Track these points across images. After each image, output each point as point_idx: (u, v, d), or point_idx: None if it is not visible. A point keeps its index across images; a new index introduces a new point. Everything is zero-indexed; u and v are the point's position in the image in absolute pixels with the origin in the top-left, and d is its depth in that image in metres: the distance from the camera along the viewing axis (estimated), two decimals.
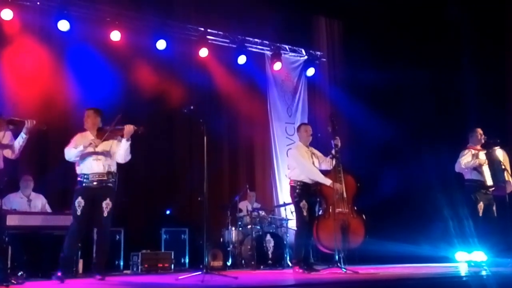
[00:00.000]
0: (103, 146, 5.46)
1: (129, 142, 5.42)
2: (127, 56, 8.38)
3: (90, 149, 5.40)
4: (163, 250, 7.70)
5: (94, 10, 8.22)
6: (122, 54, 8.33)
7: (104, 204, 5.36)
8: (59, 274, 5.20)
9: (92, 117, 5.55)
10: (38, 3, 7.87)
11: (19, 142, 5.17)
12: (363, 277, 5.30)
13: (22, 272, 6.30)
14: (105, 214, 5.36)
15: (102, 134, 5.46)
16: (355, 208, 6.13)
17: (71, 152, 5.42)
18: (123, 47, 8.37)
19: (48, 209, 6.72)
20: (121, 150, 5.45)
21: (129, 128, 5.38)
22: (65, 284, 5.02)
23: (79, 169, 5.47)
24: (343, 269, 5.71)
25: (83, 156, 5.42)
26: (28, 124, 5.07)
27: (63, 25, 7.80)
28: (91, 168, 5.40)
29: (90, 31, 8.12)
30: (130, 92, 8.28)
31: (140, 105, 8.31)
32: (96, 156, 5.42)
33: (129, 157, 5.53)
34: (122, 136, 5.44)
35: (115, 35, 8.22)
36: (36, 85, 7.52)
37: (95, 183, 5.37)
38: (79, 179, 5.45)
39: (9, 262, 6.20)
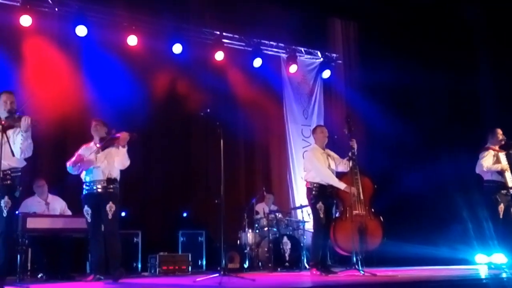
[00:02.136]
0: (103, 154, 5.62)
1: (125, 149, 5.58)
2: (143, 60, 8.45)
3: (92, 156, 5.59)
4: (180, 253, 7.74)
5: (111, 15, 8.31)
6: (138, 58, 8.41)
7: (107, 207, 5.48)
8: (91, 277, 5.51)
9: (98, 127, 5.72)
10: (56, 9, 7.99)
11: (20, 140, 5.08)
12: (381, 280, 5.27)
13: (42, 274, 6.41)
14: (110, 216, 5.48)
15: (102, 143, 5.65)
16: (372, 210, 6.09)
17: (71, 169, 5.64)
18: (139, 52, 8.45)
19: (68, 212, 6.78)
20: (119, 157, 5.60)
21: (123, 136, 5.55)
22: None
23: (83, 177, 5.70)
24: (361, 271, 5.67)
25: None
26: (25, 122, 4.99)
27: (81, 30, 7.89)
28: (92, 175, 5.60)
29: (107, 36, 8.21)
30: (147, 96, 8.35)
31: (156, 109, 8.39)
32: (97, 163, 5.59)
33: (127, 163, 5.64)
34: (119, 142, 5.58)
35: (132, 40, 8.31)
36: (54, 90, 7.61)
37: (96, 189, 5.56)
38: (83, 186, 5.68)
39: (29, 264, 6.32)
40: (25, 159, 5.22)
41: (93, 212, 5.55)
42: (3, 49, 7.39)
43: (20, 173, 5.06)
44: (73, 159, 5.65)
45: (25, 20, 7.52)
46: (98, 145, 5.64)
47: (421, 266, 7.32)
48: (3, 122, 4.90)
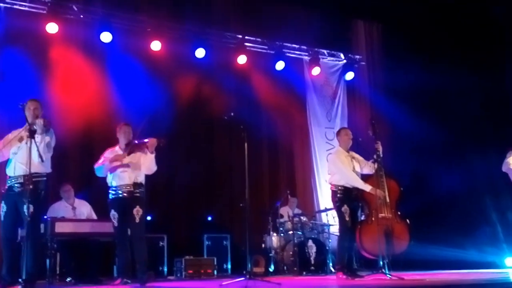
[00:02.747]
0: (130, 158, 5.65)
1: (153, 155, 5.59)
2: (167, 65, 8.53)
3: (118, 163, 5.62)
4: (205, 256, 7.77)
5: (135, 22, 8.40)
6: (162, 63, 8.48)
7: (134, 211, 5.50)
8: (118, 281, 5.52)
9: (126, 133, 5.74)
10: (82, 16, 8.11)
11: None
12: (409, 284, 5.20)
13: (70, 278, 6.49)
14: (137, 220, 5.50)
15: (129, 147, 5.67)
16: (399, 213, 6.02)
17: (100, 169, 5.67)
18: (163, 57, 8.52)
19: (94, 216, 6.85)
20: (147, 162, 5.62)
21: (152, 142, 5.55)
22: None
23: (109, 182, 5.72)
24: (388, 275, 5.60)
25: (111, 169, 5.66)
26: (39, 123, 5.04)
27: (106, 37, 8.00)
28: (119, 180, 5.61)
29: (131, 41, 8.31)
30: (171, 100, 8.41)
31: (180, 113, 8.45)
32: (123, 168, 5.62)
33: (155, 168, 5.67)
34: (148, 148, 5.59)
35: (156, 45, 8.38)
36: (80, 95, 7.73)
37: (124, 194, 5.58)
38: (109, 191, 5.70)
39: (58, 268, 6.41)
40: (52, 165, 5.32)
41: (120, 216, 5.58)
42: (30, 56, 7.52)
43: (45, 178, 5.15)
44: (100, 161, 5.72)
45: (52, 28, 7.65)
46: (124, 149, 5.65)
47: (450, 270, 7.21)
48: (27, 127, 5.00)
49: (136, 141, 5.67)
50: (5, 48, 7.44)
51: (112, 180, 5.67)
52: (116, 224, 5.60)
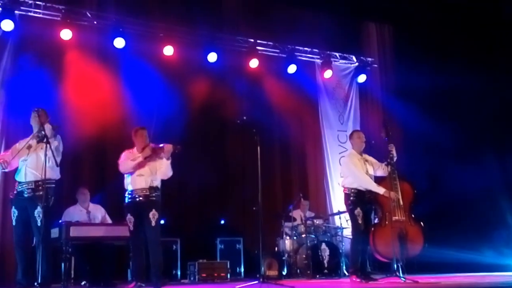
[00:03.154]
0: (146, 162, 5.66)
1: (169, 161, 5.59)
2: (179, 70, 8.58)
3: (139, 159, 5.62)
4: (218, 260, 7.79)
5: (147, 27, 8.47)
6: (175, 68, 8.54)
7: (150, 215, 5.49)
8: (133, 285, 5.51)
9: (143, 136, 5.76)
10: (95, 22, 8.19)
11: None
12: (424, 287, 5.17)
13: (85, 282, 6.55)
14: (153, 224, 5.49)
15: (145, 152, 5.67)
16: (413, 215, 5.98)
17: (127, 165, 5.66)
18: (175, 61, 8.58)
19: (108, 220, 6.91)
20: (162, 168, 5.63)
21: (168, 148, 5.56)
22: None
23: (125, 185, 5.72)
24: (402, 278, 5.57)
25: (129, 173, 5.68)
26: (47, 128, 5.15)
27: (119, 43, 8.07)
28: (135, 184, 5.62)
29: (144, 47, 8.37)
30: (183, 105, 8.45)
31: (193, 117, 8.49)
32: (140, 172, 5.63)
33: (170, 173, 5.68)
34: (163, 153, 5.61)
35: (168, 50, 8.44)
36: (94, 101, 7.79)
37: (140, 198, 5.58)
38: (125, 195, 5.70)
39: (72, 272, 6.48)
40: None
41: (135, 220, 5.59)
42: (45, 62, 7.62)
43: (53, 185, 5.22)
44: (121, 159, 5.75)
45: (66, 34, 7.74)
46: (141, 153, 5.66)
47: (465, 273, 7.15)
48: (35, 135, 5.15)
49: (153, 145, 5.68)
50: (20, 55, 7.54)
51: (129, 184, 5.69)
52: (131, 228, 5.61)
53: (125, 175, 5.72)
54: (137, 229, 5.60)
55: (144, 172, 5.62)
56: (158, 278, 5.49)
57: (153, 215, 5.49)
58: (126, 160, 5.70)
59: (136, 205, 5.60)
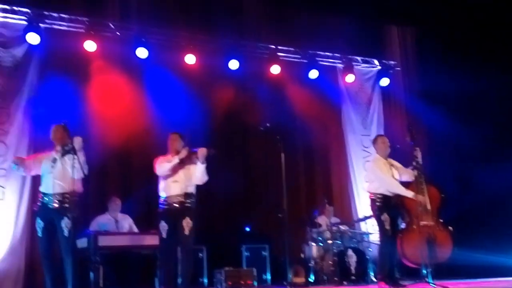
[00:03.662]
0: (181, 167, 5.60)
1: (204, 165, 5.53)
2: (201, 78, 8.62)
3: (176, 161, 5.55)
4: (244, 267, 7.78)
5: (169, 36, 8.54)
6: (196, 76, 8.58)
7: (184, 223, 5.43)
8: None
9: (176, 141, 5.70)
10: (118, 33, 8.30)
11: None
12: None
13: None
14: (187, 232, 5.43)
15: (181, 153, 5.60)
16: (441, 220, 5.89)
17: (164, 166, 5.58)
18: (197, 70, 8.62)
19: (135, 230, 6.97)
20: (197, 172, 5.56)
21: (202, 152, 5.49)
22: None
23: (160, 192, 5.65)
24: (432, 284, 5.49)
25: (164, 178, 5.62)
26: (77, 141, 5.21)
27: (142, 53, 8.16)
28: (169, 190, 5.56)
29: (166, 56, 8.44)
30: (206, 113, 8.49)
31: (216, 125, 8.52)
32: (174, 178, 5.56)
33: (205, 178, 5.63)
34: (197, 159, 5.56)
35: (190, 59, 8.50)
36: (118, 110, 7.88)
37: (175, 204, 5.51)
38: (160, 201, 5.63)
39: (101, 281, 6.54)
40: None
41: (169, 228, 5.49)
42: (70, 74, 7.73)
43: (77, 198, 5.28)
44: (158, 161, 5.68)
45: (90, 46, 7.85)
46: (176, 158, 5.57)
47: (496, 278, 7.00)
48: (58, 149, 5.25)
49: (186, 150, 5.61)
50: (46, 67, 7.68)
51: (163, 191, 5.62)
52: (164, 235, 5.49)
53: (160, 181, 5.65)
54: (170, 238, 5.50)
55: (179, 179, 5.56)
56: (187, 286, 5.46)
57: (186, 223, 5.43)
58: (163, 162, 5.63)
59: (170, 212, 5.51)
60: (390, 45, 10.33)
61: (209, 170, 5.67)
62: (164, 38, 8.52)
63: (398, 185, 5.99)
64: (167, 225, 5.48)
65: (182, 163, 5.59)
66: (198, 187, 5.87)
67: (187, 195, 5.54)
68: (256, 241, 8.20)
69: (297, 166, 9.20)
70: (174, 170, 5.56)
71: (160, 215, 5.58)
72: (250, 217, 8.64)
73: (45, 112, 7.30)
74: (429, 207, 5.84)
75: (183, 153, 5.56)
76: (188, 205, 5.53)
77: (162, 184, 5.64)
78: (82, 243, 6.18)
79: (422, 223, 5.79)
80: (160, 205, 5.61)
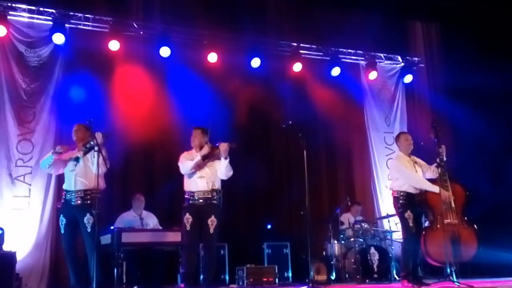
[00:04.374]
0: (206, 163, 5.62)
1: (227, 160, 5.52)
2: (223, 76, 8.65)
3: (198, 158, 5.55)
4: (266, 264, 7.78)
5: (192, 35, 8.59)
6: (219, 74, 8.61)
7: (209, 221, 5.44)
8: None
9: (199, 136, 5.72)
10: (141, 32, 8.39)
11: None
12: None
13: (136, 287, 6.69)
14: (211, 230, 5.44)
15: (203, 150, 5.61)
16: (466, 218, 5.80)
17: (186, 165, 5.60)
18: (219, 68, 8.66)
19: (159, 228, 7.03)
20: (222, 168, 5.56)
21: (223, 147, 5.49)
22: None
23: (186, 187, 5.65)
24: (456, 283, 5.42)
25: (190, 175, 5.63)
26: (98, 137, 5.25)
27: (165, 51, 8.23)
28: (197, 186, 5.56)
29: (189, 55, 8.50)
30: (228, 111, 8.50)
31: (238, 123, 8.53)
32: (201, 174, 5.57)
33: (230, 173, 5.62)
34: (221, 153, 5.55)
35: (212, 57, 8.54)
36: (141, 109, 7.95)
37: (200, 200, 5.52)
38: (186, 196, 5.63)
39: (124, 277, 6.62)
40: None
41: (194, 220, 5.49)
42: (94, 73, 7.85)
43: (99, 195, 5.32)
44: (180, 160, 5.69)
45: (114, 45, 7.96)
46: (198, 156, 5.58)
47: None
48: (82, 147, 5.32)
49: (209, 146, 5.61)
50: (71, 67, 7.81)
51: (189, 186, 5.62)
52: (188, 228, 5.49)
53: (185, 177, 5.66)
54: (193, 231, 5.48)
55: (205, 174, 5.57)
56: (209, 283, 5.46)
57: (212, 222, 5.44)
58: (185, 160, 5.65)
59: (196, 208, 5.53)
60: (414, 41, 10.21)
61: (231, 168, 5.65)
62: (187, 37, 8.57)
63: (424, 181, 5.91)
64: (192, 217, 5.47)
65: (206, 159, 5.60)
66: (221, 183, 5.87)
67: (213, 191, 5.54)
68: (278, 238, 8.20)
69: (319, 164, 9.17)
70: (199, 166, 5.58)
71: (184, 208, 5.57)
72: (272, 214, 8.65)
73: (70, 110, 7.44)
74: (453, 205, 5.76)
75: (205, 149, 5.59)
76: (214, 201, 5.54)
77: (187, 180, 5.64)
78: (106, 239, 6.27)
79: (446, 221, 5.70)
80: (186, 200, 5.61)
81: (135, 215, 6.99)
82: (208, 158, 5.62)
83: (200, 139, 5.71)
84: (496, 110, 8.82)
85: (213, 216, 5.45)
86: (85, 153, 5.35)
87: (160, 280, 6.58)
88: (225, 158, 5.52)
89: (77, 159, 5.40)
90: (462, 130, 8.72)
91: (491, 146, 8.73)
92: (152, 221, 7.05)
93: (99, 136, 5.21)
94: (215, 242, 5.60)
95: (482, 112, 8.63)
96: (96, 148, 5.17)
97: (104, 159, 5.18)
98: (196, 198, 5.54)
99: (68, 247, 5.31)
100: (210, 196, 5.53)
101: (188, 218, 5.48)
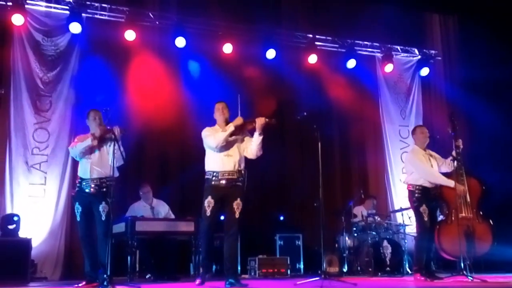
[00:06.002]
0: (232, 140, 5.11)
1: (261, 137, 5.04)
2: (238, 67, 8.64)
3: (231, 129, 5.06)
4: (278, 256, 7.80)
5: (207, 26, 8.59)
6: (234, 65, 8.61)
7: (235, 205, 5.00)
8: (199, 279, 5.09)
9: (226, 109, 5.30)
10: (157, 22, 8.41)
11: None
12: (493, 286, 4.96)
13: (149, 275, 6.75)
14: (237, 215, 5.00)
15: (236, 121, 5.13)
16: (481, 212, 5.75)
17: (218, 136, 5.07)
18: (234, 59, 8.65)
19: (171, 216, 7.04)
20: (253, 145, 5.08)
21: (260, 121, 5.02)
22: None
23: (209, 166, 5.15)
24: (469, 277, 5.37)
25: (215, 152, 5.11)
26: (116, 131, 5.16)
27: (180, 42, 8.24)
28: (222, 165, 5.07)
29: (204, 45, 8.50)
30: (243, 102, 8.47)
31: (252, 114, 8.50)
32: (228, 152, 5.08)
33: (260, 152, 5.15)
34: (254, 130, 5.11)
35: (227, 48, 8.53)
36: (156, 99, 7.99)
37: (223, 181, 5.04)
38: (207, 176, 5.13)
39: (137, 266, 6.69)
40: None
41: (215, 204, 5.02)
42: (110, 63, 7.90)
43: (114, 183, 5.29)
44: (207, 133, 5.20)
45: (130, 35, 7.98)
46: (231, 126, 5.06)
47: None
48: (98, 135, 5.26)
49: (241, 118, 5.10)
50: (87, 56, 7.85)
51: (213, 165, 5.11)
52: (208, 213, 5.00)
53: (209, 155, 5.15)
54: (214, 216, 5.02)
55: (233, 153, 5.08)
56: (235, 271, 5.14)
57: (237, 205, 4.97)
58: (214, 132, 5.11)
59: (219, 190, 5.03)
60: (431, 33, 10.09)
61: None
62: (202, 27, 8.57)
63: (439, 175, 5.87)
64: (214, 201, 5.00)
65: (233, 136, 5.07)
66: None
67: (239, 172, 5.07)
68: (290, 230, 8.21)
69: (333, 156, 9.15)
70: (227, 143, 5.06)
71: (207, 190, 5.07)
72: (284, 206, 8.65)
73: (86, 99, 7.48)
74: (468, 199, 5.71)
75: (239, 120, 5.08)
76: (239, 184, 5.06)
77: (212, 158, 5.13)
78: (119, 227, 6.32)
79: (461, 215, 5.67)
80: (207, 180, 5.11)
81: (145, 205, 6.99)
82: (236, 133, 5.08)
83: (227, 112, 5.23)
84: None
85: (238, 199, 4.98)
86: (100, 141, 5.35)
87: (173, 269, 6.61)
88: (260, 135, 5.04)
89: (92, 147, 5.36)
90: (479, 123, 8.61)
91: (507, 140, 8.61)
92: (163, 209, 7.06)
93: (117, 130, 5.23)
94: (239, 228, 5.06)
95: (499, 106, 8.52)
96: (112, 140, 5.18)
97: (121, 153, 5.19)
98: (220, 179, 5.04)
99: (84, 234, 5.34)
100: (235, 177, 5.05)
101: (210, 202, 5.00)
